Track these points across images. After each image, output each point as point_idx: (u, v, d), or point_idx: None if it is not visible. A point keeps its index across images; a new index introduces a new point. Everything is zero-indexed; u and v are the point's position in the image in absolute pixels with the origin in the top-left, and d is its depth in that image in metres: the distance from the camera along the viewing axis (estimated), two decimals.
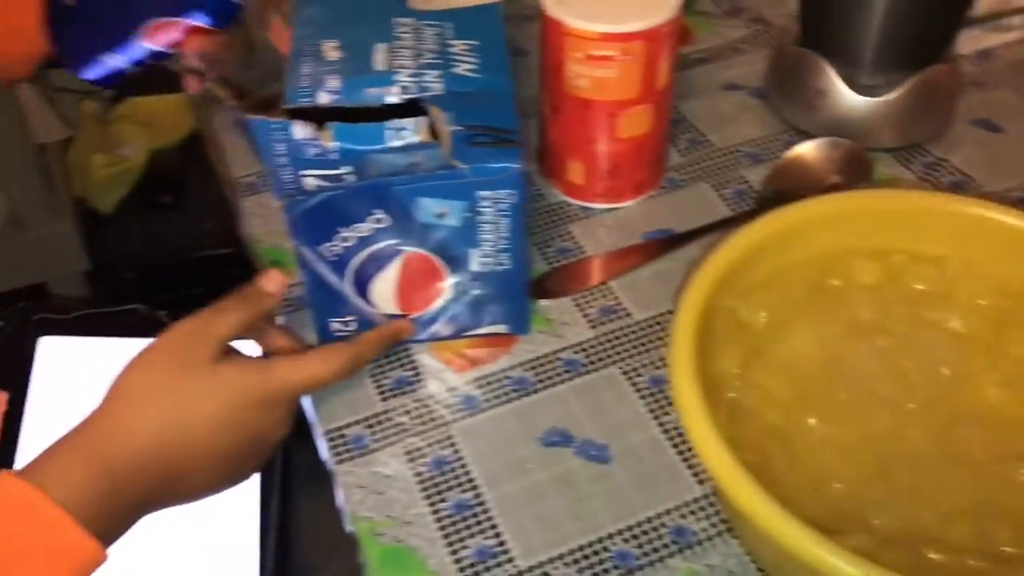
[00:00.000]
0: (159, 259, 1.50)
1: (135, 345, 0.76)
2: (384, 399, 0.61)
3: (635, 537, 0.54)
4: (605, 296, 0.68)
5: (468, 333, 0.64)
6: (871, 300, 0.57)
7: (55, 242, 1.40)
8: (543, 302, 0.67)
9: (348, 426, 0.60)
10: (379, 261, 0.58)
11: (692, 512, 0.55)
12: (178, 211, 1.54)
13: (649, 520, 0.55)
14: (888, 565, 0.45)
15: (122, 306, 0.82)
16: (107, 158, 1.53)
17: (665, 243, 0.70)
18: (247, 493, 0.78)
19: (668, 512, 0.55)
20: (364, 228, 0.56)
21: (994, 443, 0.50)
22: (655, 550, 0.54)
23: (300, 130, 0.53)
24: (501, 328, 0.64)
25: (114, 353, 0.74)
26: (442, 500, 0.56)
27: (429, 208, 0.56)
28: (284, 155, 0.53)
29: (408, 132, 0.53)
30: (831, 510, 0.47)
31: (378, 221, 0.56)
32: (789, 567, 0.47)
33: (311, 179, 0.54)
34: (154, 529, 0.53)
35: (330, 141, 0.53)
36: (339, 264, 0.58)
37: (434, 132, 0.54)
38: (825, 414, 0.51)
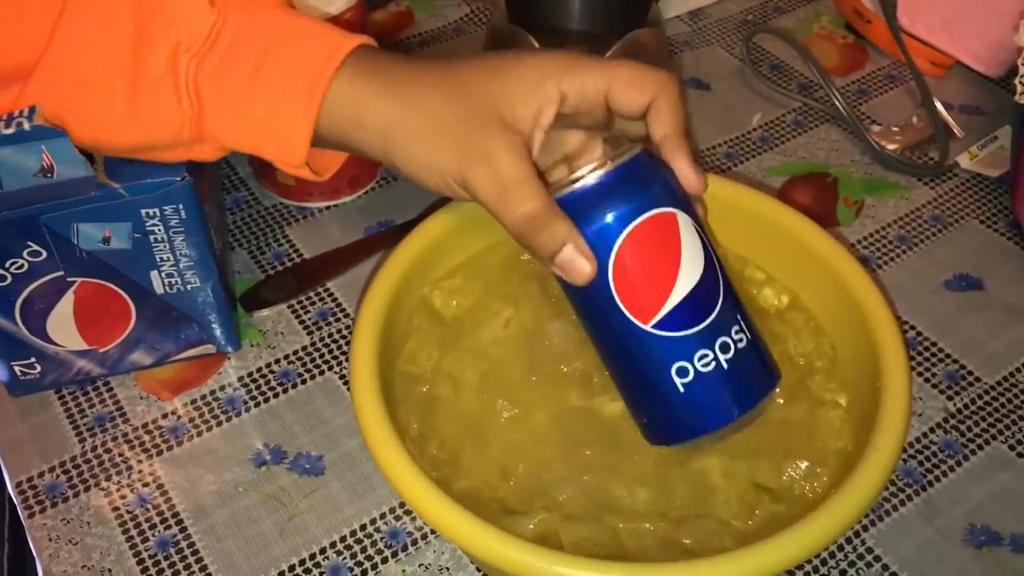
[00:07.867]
0: None
1: None
2: (82, 440, 0.57)
3: (348, 548, 0.52)
4: (323, 300, 0.65)
5: (173, 358, 0.60)
6: None
7: None
8: (258, 314, 0.64)
9: (41, 475, 0.56)
10: (47, 296, 0.54)
11: (407, 512, 0.54)
12: None
13: (363, 528, 0.53)
14: (574, 539, 0.45)
15: None
16: None
17: (384, 236, 0.69)
18: None
19: (383, 516, 0.54)
20: (21, 263, 0.52)
21: None
22: (369, 558, 0.52)
23: None
24: (208, 348, 0.61)
25: None
26: (144, 540, 0.53)
27: (90, 234, 0.52)
28: None
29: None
30: (517, 491, 0.47)
31: (35, 254, 0.52)
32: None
33: None
34: None
35: None
36: (2, 304, 0.53)
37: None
38: (514, 396, 0.50)
